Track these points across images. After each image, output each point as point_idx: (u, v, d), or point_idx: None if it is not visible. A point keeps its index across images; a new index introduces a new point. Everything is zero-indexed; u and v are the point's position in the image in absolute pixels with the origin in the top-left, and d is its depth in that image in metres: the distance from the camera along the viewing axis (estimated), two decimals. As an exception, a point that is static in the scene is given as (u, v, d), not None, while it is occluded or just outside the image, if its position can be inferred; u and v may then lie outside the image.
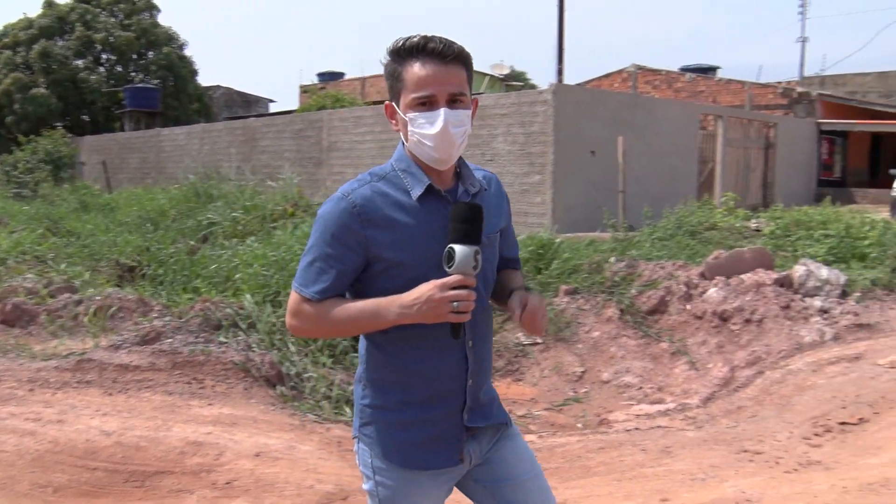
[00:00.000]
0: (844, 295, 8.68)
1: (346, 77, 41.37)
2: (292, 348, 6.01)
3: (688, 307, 7.89)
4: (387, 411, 2.15)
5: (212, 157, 23.53)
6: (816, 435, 5.43)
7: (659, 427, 5.59)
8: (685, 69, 31.29)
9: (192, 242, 10.43)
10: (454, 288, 1.93)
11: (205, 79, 48.81)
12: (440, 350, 2.09)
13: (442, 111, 1.99)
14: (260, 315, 6.40)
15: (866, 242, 10.56)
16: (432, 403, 2.13)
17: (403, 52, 2.03)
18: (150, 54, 37.77)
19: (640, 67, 29.70)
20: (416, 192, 2.05)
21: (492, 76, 32.99)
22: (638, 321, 7.47)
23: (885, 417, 5.74)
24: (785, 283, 8.38)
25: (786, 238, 11.38)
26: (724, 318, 7.66)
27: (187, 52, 39.26)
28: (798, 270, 8.65)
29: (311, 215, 10.40)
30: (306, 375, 5.70)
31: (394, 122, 2.12)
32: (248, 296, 6.78)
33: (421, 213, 2.05)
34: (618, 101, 17.27)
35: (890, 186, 21.84)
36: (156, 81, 36.73)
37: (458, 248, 1.93)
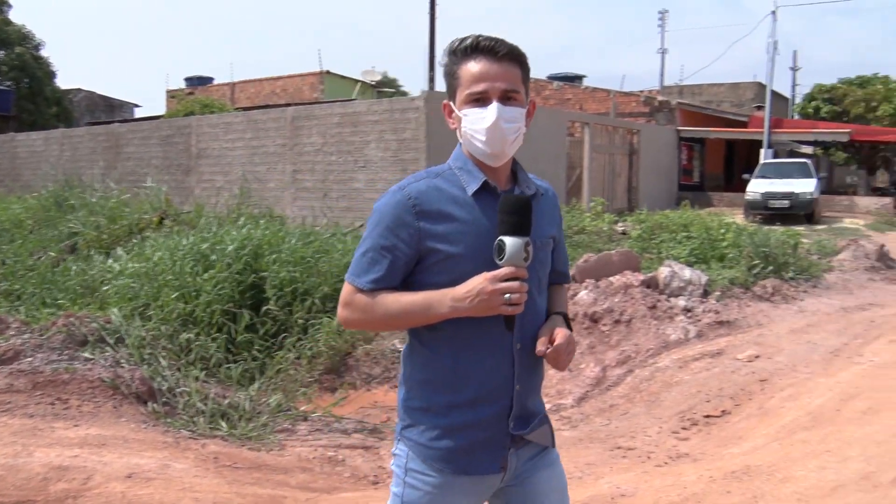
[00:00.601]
0: (706, 294, 9.08)
1: (216, 82, 40.43)
2: (164, 363, 5.79)
3: (561, 309, 8.06)
4: (432, 414, 2.11)
5: (73, 164, 22.53)
6: (684, 428, 5.65)
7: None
8: (553, 77, 32.11)
9: (52, 254, 9.94)
10: (506, 280, 1.92)
11: (64, 81, 46.54)
12: (489, 351, 2.07)
13: (494, 106, 2.01)
14: (129, 329, 6.14)
15: (724, 244, 11.10)
16: (479, 407, 2.09)
17: (459, 52, 2.06)
18: (1, 54, 35.77)
19: (509, 75, 30.27)
20: (472, 188, 2.07)
21: (363, 83, 32.91)
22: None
23: (745, 409, 6.04)
24: (651, 284, 8.70)
25: (651, 241, 11.84)
26: (594, 319, 7.87)
27: (44, 52, 37.40)
28: (663, 272, 8.99)
29: (180, 224, 10.09)
30: (179, 390, 5.50)
31: (451, 120, 2.14)
32: (115, 309, 6.51)
33: (475, 208, 2.05)
34: (489, 108, 17.52)
35: (744, 190, 23.04)
36: (8, 83, 34.88)
37: (509, 240, 1.92)
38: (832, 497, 4.41)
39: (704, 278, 9.19)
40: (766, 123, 28.08)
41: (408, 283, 2.09)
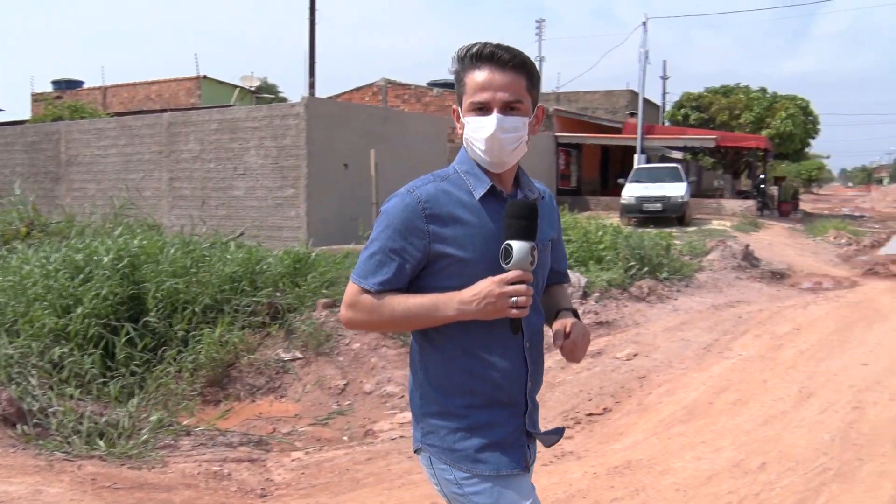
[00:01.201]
0: (586, 295, 9.32)
1: (86, 86, 38.64)
2: (33, 381, 5.49)
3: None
4: (451, 416, 2.10)
5: (-74, 172, 21.21)
6: (568, 427, 5.76)
7: (422, 433, 5.69)
8: (433, 84, 32.25)
9: None
10: (513, 283, 1.92)
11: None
12: (502, 351, 2.07)
13: (494, 117, 2.01)
14: (-8, 347, 5.81)
15: (602, 246, 11.40)
16: (496, 407, 2.09)
17: (466, 59, 2.07)
18: None
19: (390, 82, 30.29)
20: (479, 192, 2.07)
21: (242, 88, 32.29)
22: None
23: (625, 406, 6.22)
24: (532, 286, 8.85)
25: (531, 244, 12.02)
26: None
27: None
28: (544, 274, 9.17)
29: (49, 235, 9.63)
30: (51, 410, 5.23)
31: (458, 125, 2.14)
32: (-25, 327, 6.15)
33: (483, 213, 2.06)
34: (369, 114, 17.52)
35: (619, 194, 23.77)
36: None
37: (516, 244, 1.92)
38: (707, 485, 4.60)
39: (584, 280, 9.43)
40: (639, 130, 29.10)
41: (416, 286, 2.09)
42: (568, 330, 2.10)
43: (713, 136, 30.63)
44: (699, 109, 38.01)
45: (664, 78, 55.48)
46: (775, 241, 20.33)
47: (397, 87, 30.38)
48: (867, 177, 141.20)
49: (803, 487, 4.55)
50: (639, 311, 9.53)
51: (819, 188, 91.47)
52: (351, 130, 15.92)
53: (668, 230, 18.51)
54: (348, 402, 6.48)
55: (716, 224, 23.53)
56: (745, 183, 37.58)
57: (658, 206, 22.48)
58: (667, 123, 39.54)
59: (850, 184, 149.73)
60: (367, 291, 2.05)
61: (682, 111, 38.51)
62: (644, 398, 6.38)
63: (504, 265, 1.94)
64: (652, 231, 14.92)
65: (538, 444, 2.23)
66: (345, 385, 6.71)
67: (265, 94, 37.00)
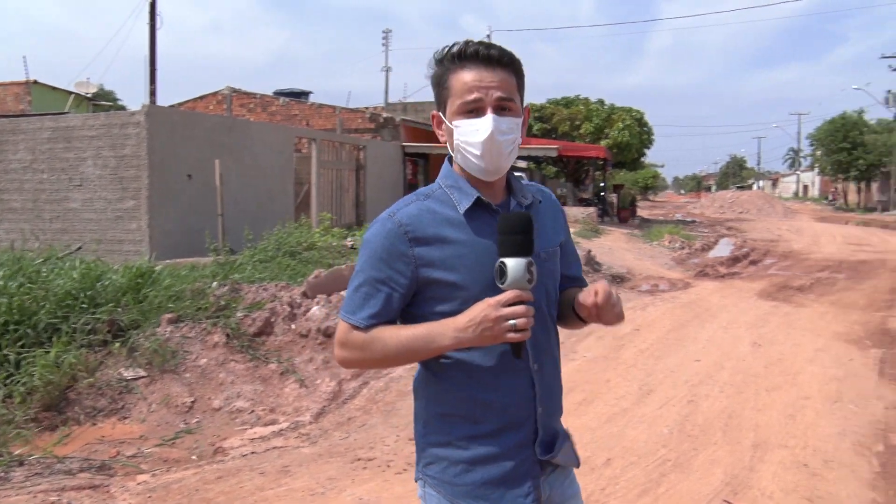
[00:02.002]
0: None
1: None
2: None
3: (293, 327, 8.04)
4: (453, 448, 1.95)
5: None
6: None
7: (275, 448, 5.63)
8: (279, 93, 31.81)
9: None
10: (510, 304, 1.75)
11: None
12: (506, 377, 1.91)
13: (490, 117, 1.86)
14: None
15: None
16: (503, 436, 1.93)
17: (448, 58, 1.91)
18: None
19: (234, 90, 29.64)
20: (464, 205, 1.92)
21: (77, 95, 30.80)
22: (245, 345, 7.44)
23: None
24: (382, 296, 8.89)
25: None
26: (328, 334, 7.92)
27: None
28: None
29: None
30: None
31: (440, 132, 1.98)
32: None
33: (471, 229, 1.90)
34: (214, 123, 17.08)
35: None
36: None
37: (510, 262, 1.76)
38: (555, 486, 4.77)
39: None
40: (483, 139, 29.62)
41: (410, 314, 1.96)
42: (593, 288, 1.90)
43: (556, 146, 31.65)
44: (542, 120, 39.21)
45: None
46: (615, 246, 21.26)
47: (242, 96, 29.77)
48: (697, 184, 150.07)
49: (645, 479, 4.82)
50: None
51: (655, 195, 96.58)
52: (194, 140, 15.47)
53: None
54: (196, 419, 6.32)
55: (558, 231, 24.24)
56: (587, 191, 39.07)
57: (504, 214, 22.93)
58: (511, 133, 40.47)
59: (683, 191, 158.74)
60: (357, 328, 1.92)
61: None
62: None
63: (500, 285, 1.78)
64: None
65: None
66: (192, 402, 6.54)
67: (102, 101, 35.42)
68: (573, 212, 28.94)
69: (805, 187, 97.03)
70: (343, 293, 8.65)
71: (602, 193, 32.82)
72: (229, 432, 6.07)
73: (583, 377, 7.22)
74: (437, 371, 1.96)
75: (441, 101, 1.96)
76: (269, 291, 8.86)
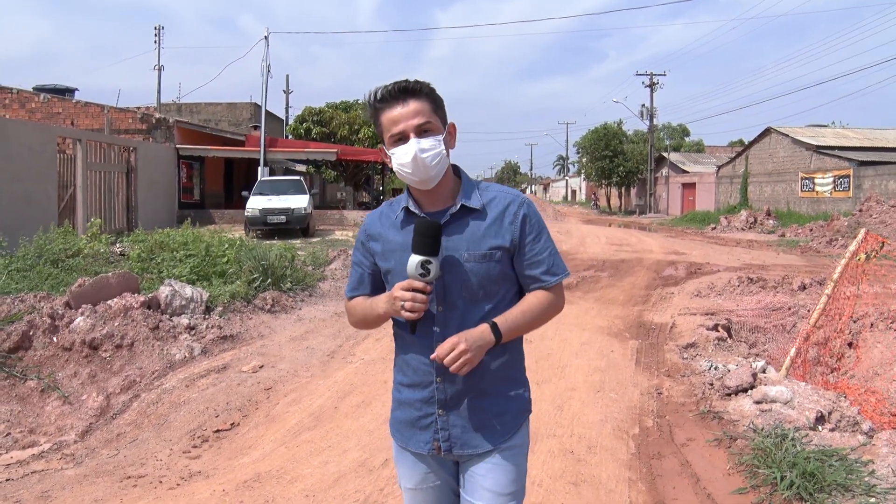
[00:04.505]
0: (209, 310, 9.18)
1: None
2: None
3: (55, 340, 7.53)
4: (396, 389, 2.57)
5: None
6: (195, 447, 5.64)
7: (34, 472, 5.22)
8: (40, 89, 29.67)
9: None
10: (405, 290, 2.27)
11: None
12: (417, 348, 2.43)
13: (412, 141, 2.32)
14: None
15: (224, 260, 11.29)
16: (414, 389, 2.48)
17: (372, 103, 2.39)
18: None
19: (-15, 85, 27.29)
20: (398, 213, 2.48)
21: None
22: (-1, 361, 6.88)
23: (253, 418, 6.23)
24: (152, 304, 8.53)
25: (151, 260, 11.57)
26: (94, 346, 7.49)
27: None
28: (164, 291, 8.87)
29: None
30: None
31: (387, 160, 2.45)
32: None
33: (403, 230, 2.43)
34: (-38, 121, 15.67)
35: (244, 207, 23.69)
36: None
37: (410, 258, 2.26)
38: (335, 487, 4.78)
39: (206, 295, 9.27)
40: (262, 142, 29.25)
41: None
42: (443, 346, 2.30)
43: (334, 150, 31.74)
44: (321, 124, 39.15)
45: (287, 92, 56.37)
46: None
47: (-4, 91, 27.50)
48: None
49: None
50: (263, 323, 9.59)
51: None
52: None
53: (292, 242, 18.81)
54: (-60, 445, 5.76)
55: (339, 234, 24.38)
56: (370, 195, 39.41)
57: (282, 219, 22.76)
58: (290, 137, 40.16)
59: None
60: (347, 298, 2.64)
61: (305, 125, 39.38)
62: (272, 409, 6.44)
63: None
64: (277, 243, 15.07)
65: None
66: (-65, 427, 5.96)
67: None
68: (352, 215, 29.11)
69: (573, 192, 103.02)
70: (109, 301, 8.23)
71: (381, 197, 33.24)
72: (-21, 457, 5.57)
73: (361, 379, 7.27)
74: (395, 332, 2.56)
75: (381, 137, 2.46)
76: (28, 303, 8.26)
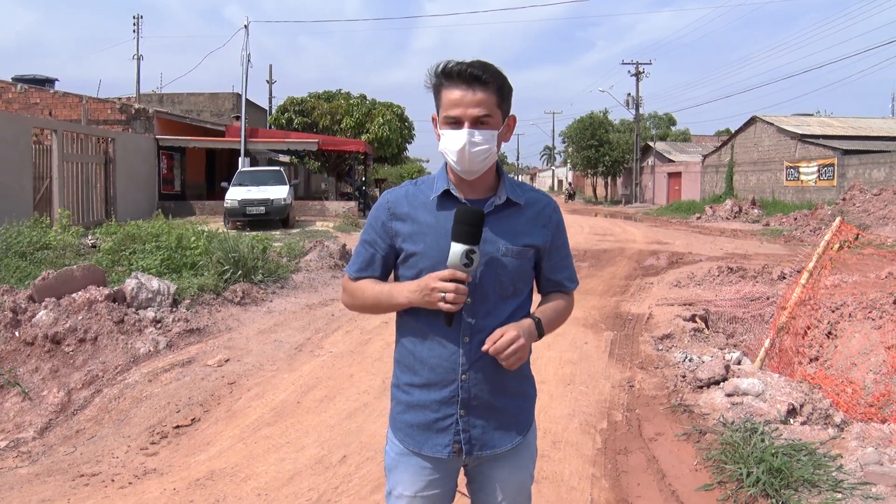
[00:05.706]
0: (176, 303, 9.01)
1: None
2: None
3: (17, 334, 7.36)
4: (400, 391, 2.38)
5: None
6: (153, 443, 5.50)
7: (-12, 471, 5.08)
8: (18, 79, 29.32)
9: None
10: (446, 281, 2.13)
11: None
12: (439, 340, 2.27)
13: (464, 132, 2.19)
14: None
15: (196, 252, 11.12)
16: (431, 390, 2.31)
17: (441, 75, 2.22)
18: None
19: (-41, 76, 26.93)
20: (435, 193, 2.30)
21: None
22: (-44, 357, 6.71)
23: (214, 413, 6.10)
24: (118, 297, 8.36)
25: (122, 252, 11.41)
26: (56, 340, 7.33)
27: None
28: (129, 284, 8.70)
29: None
30: None
31: (436, 130, 2.32)
32: None
33: (438, 213, 2.28)
34: (-71, 111, 15.41)
35: (224, 198, 23.47)
36: None
37: (453, 246, 2.12)
38: (289, 485, 4.65)
39: (173, 287, 9.11)
40: (243, 133, 28.96)
41: (395, 275, 2.40)
42: (496, 336, 2.20)
43: (315, 140, 31.49)
44: (303, 114, 38.87)
45: (271, 82, 56.05)
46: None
47: (-30, 81, 27.15)
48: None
49: (379, 474, 4.77)
50: (232, 316, 9.43)
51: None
52: None
53: (271, 233, 18.63)
54: None
55: (319, 225, 24.20)
56: (352, 185, 39.19)
57: (261, 209, 22.56)
58: (273, 127, 39.88)
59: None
60: (349, 278, 2.43)
61: (287, 115, 39.09)
62: (233, 404, 6.30)
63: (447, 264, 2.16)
64: (252, 234, 14.90)
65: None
66: None
67: None
68: (334, 206, 28.91)
69: (560, 182, 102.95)
70: (74, 294, 8.07)
71: (364, 188, 33.01)
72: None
73: (326, 373, 7.13)
74: (399, 325, 2.41)
75: (436, 108, 2.33)
76: (-11, 296, 8.08)
